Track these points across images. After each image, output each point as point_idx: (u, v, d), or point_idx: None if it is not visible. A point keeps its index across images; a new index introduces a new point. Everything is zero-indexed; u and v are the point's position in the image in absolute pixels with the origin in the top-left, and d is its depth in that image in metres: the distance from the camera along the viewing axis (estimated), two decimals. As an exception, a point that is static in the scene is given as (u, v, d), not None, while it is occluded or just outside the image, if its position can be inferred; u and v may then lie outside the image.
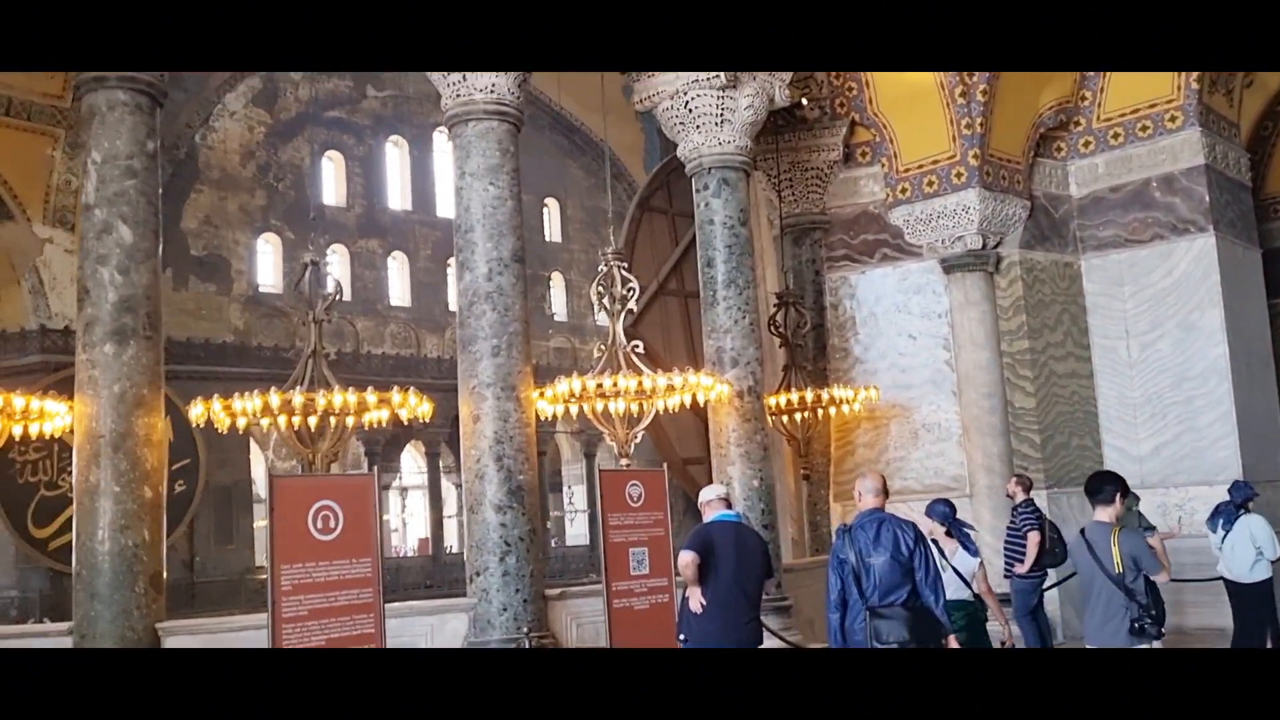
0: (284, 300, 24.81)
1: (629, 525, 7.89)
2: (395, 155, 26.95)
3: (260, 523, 28.11)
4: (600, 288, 9.52)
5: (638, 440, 9.41)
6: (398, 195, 26.82)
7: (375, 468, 24.68)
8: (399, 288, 26.67)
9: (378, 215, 26.32)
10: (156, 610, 7.70)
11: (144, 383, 7.83)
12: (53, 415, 8.42)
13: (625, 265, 9.52)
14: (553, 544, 26.52)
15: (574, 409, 9.59)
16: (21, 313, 19.34)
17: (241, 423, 8.57)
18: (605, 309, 9.49)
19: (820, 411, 11.49)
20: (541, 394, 9.07)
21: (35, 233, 18.50)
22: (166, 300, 8.15)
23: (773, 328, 11.66)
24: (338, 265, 26.50)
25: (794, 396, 11.06)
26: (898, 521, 5.67)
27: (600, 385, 8.94)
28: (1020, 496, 9.95)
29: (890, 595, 5.47)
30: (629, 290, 9.45)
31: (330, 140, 25.58)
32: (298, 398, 7.87)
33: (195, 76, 22.32)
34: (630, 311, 9.55)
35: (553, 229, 29.54)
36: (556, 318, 29.07)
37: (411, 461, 28.00)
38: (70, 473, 7.75)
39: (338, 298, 9.10)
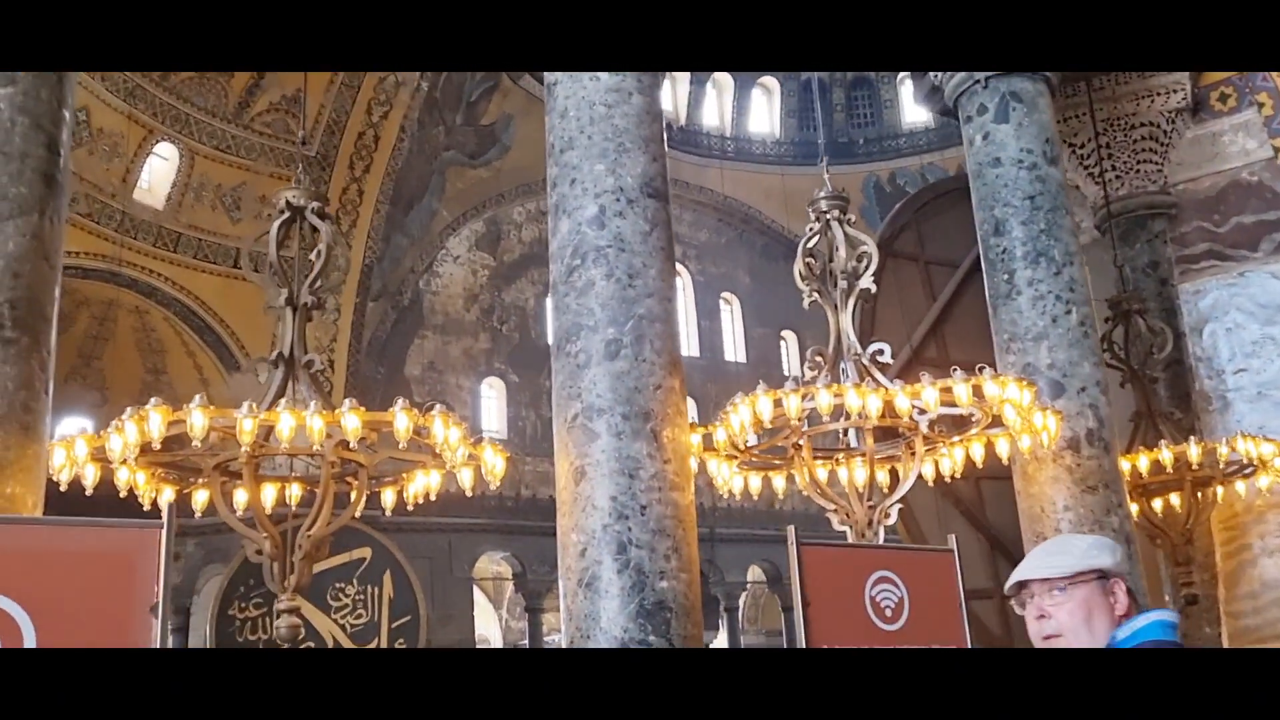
0: (509, 444, 21.86)
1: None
2: (620, 289, 23.80)
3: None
4: (808, 260, 5.03)
5: (890, 521, 4.69)
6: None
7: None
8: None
9: (605, 352, 23.08)
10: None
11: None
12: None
13: (850, 218, 5.01)
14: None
15: (775, 480, 5.03)
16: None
17: (167, 495, 4.46)
18: (818, 292, 4.98)
19: (1202, 492, 6.27)
20: (707, 435, 4.60)
21: (262, 383, 17.62)
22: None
23: (1108, 351, 6.60)
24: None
25: (1165, 457, 5.79)
26: None
27: (805, 410, 4.32)
28: None
29: None
30: (862, 257, 4.92)
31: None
32: (193, 418, 3.66)
33: (419, 222, 20.54)
34: (866, 291, 4.98)
35: (791, 364, 25.23)
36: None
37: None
38: None
39: (330, 269, 5.09)
